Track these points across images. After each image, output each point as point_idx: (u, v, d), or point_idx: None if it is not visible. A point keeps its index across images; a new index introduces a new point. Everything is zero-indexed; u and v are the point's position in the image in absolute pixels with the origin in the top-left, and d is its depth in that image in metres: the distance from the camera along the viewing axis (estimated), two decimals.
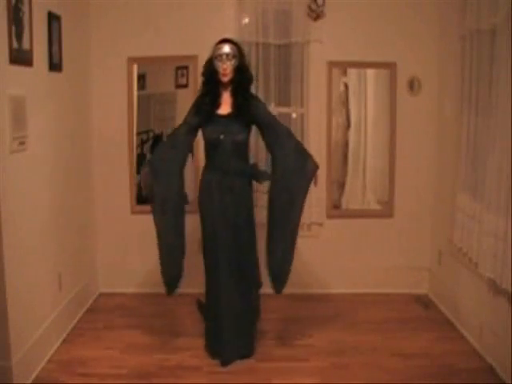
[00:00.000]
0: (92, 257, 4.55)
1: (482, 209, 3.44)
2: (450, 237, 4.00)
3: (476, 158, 3.59)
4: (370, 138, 4.69)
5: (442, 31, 4.34)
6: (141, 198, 4.63)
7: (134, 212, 4.59)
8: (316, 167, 3.43)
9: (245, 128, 3.40)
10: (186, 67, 4.48)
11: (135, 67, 4.49)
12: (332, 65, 4.44)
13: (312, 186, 3.47)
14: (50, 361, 3.44)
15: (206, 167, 3.48)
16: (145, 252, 4.58)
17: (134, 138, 4.55)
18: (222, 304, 3.41)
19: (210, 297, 3.52)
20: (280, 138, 3.42)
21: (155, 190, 3.37)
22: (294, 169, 3.37)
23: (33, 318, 3.31)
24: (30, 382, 3.18)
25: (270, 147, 3.47)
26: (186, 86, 4.51)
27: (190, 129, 3.43)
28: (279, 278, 3.44)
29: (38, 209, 3.42)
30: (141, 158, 4.62)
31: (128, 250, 4.60)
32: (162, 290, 4.55)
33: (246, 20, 4.35)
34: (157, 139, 4.65)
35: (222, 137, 3.34)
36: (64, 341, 3.71)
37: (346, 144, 4.66)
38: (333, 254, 4.61)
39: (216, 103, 3.39)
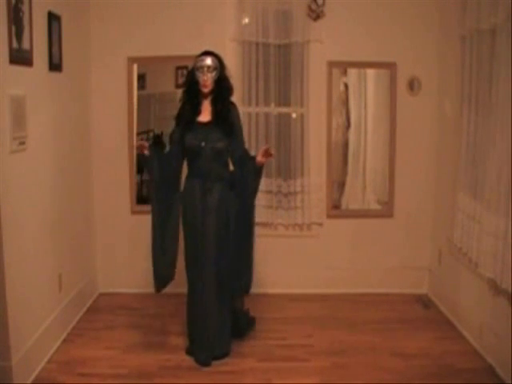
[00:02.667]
0: (92, 257, 4.55)
1: (482, 209, 3.44)
2: (450, 237, 4.00)
3: (476, 158, 3.59)
4: (370, 138, 4.69)
5: (442, 31, 4.34)
6: (141, 198, 4.63)
7: (134, 212, 4.59)
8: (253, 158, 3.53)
9: (224, 136, 3.49)
10: (186, 67, 4.47)
11: (135, 67, 4.49)
12: (332, 65, 4.44)
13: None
14: (49, 361, 3.44)
15: (188, 174, 3.57)
16: (145, 252, 4.57)
17: (134, 138, 4.54)
18: (201, 304, 3.47)
19: (190, 298, 3.57)
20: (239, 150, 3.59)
21: (155, 178, 3.51)
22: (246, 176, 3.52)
23: (33, 318, 3.31)
24: (29, 382, 3.18)
25: (233, 157, 3.60)
26: None
27: (178, 146, 3.53)
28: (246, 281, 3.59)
29: (38, 209, 3.42)
30: (141, 158, 4.61)
31: (128, 250, 4.60)
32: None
33: (246, 20, 4.35)
34: (157, 139, 4.64)
35: (202, 144, 3.44)
36: (64, 341, 3.71)
37: (346, 144, 4.66)
38: (333, 254, 4.61)
39: (196, 111, 3.50)
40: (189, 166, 3.57)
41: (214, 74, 3.46)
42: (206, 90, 3.47)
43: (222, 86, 3.50)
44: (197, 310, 3.50)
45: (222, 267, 3.48)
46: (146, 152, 3.43)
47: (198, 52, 4.35)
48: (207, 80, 3.44)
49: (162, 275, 3.53)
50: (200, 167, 3.47)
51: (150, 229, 3.50)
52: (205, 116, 3.50)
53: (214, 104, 3.50)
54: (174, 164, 3.55)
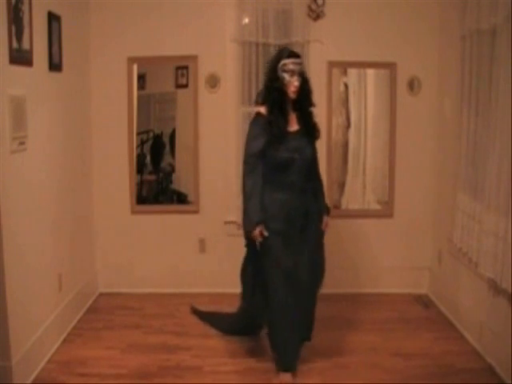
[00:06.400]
0: (92, 257, 4.55)
1: (482, 209, 3.44)
2: (450, 237, 4.00)
3: (476, 158, 3.59)
4: (370, 138, 4.69)
5: (442, 31, 4.34)
6: (141, 198, 4.64)
7: (133, 212, 4.59)
8: (327, 212, 3.41)
9: (311, 143, 3.29)
10: (186, 67, 4.48)
11: (135, 67, 4.48)
12: (332, 65, 4.44)
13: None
14: (49, 361, 3.44)
15: (274, 185, 3.20)
16: (145, 252, 4.59)
17: (134, 137, 4.54)
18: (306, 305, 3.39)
19: (280, 313, 3.27)
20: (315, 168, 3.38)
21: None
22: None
23: (33, 318, 3.31)
24: (29, 382, 3.18)
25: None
26: (186, 86, 4.51)
27: (262, 155, 3.19)
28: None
29: (38, 209, 3.42)
30: (141, 158, 4.62)
31: (128, 250, 4.59)
32: (161, 289, 4.58)
33: (246, 20, 4.35)
34: (157, 139, 4.65)
35: (296, 156, 3.17)
36: (64, 341, 3.71)
37: (346, 144, 4.66)
38: (333, 253, 4.59)
39: (287, 120, 3.20)
40: (274, 176, 3.20)
41: (301, 77, 3.17)
42: (295, 96, 3.17)
43: (307, 89, 3.23)
44: (301, 313, 3.34)
45: (318, 271, 3.37)
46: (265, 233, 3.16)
47: (199, 52, 4.38)
48: (298, 85, 3.14)
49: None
50: (293, 180, 3.18)
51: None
52: (292, 125, 3.22)
53: (298, 110, 3.23)
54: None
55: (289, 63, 3.14)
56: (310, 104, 3.27)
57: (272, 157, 3.18)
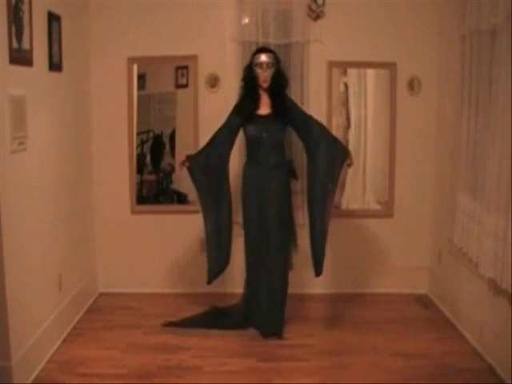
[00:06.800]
0: (92, 257, 4.55)
1: (482, 209, 3.44)
2: (450, 237, 4.00)
3: (476, 158, 3.59)
4: (370, 138, 4.69)
5: (442, 31, 4.34)
6: (141, 198, 4.64)
7: (133, 212, 4.59)
8: (345, 152, 3.75)
9: (282, 127, 3.77)
10: (186, 67, 4.48)
11: (135, 67, 4.49)
12: (332, 65, 4.44)
13: (345, 169, 3.83)
14: (49, 361, 3.44)
15: (249, 162, 3.84)
16: (145, 252, 4.59)
17: (134, 137, 4.54)
18: (260, 285, 3.78)
19: (250, 277, 3.85)
20: (313, 131, 3.74)
21: (200, 185, 3.76)
22: (325, 157, 3.68)
23: (33, 318, 3.31)
24: (29, 382, 3.18)
25: (304, 141, 3.81)
26: (186, 85, 4.51)
27: (230, 129, 3.77)
28: (318, 258, 3.71)
29: (38, 209, 3.42)
30: (141, 158, 4.62)
31: (128, 250, 4.59)
32: (161, 289, 4.59)
33: (246, 20, 4.35)
34: (157, 139, 4.65)
35: (263, 135, 3.70)
36: (64, 341, 3.71)
37: (346, 144, 4.65)
38: (333, 253, 4.60)
39: (257, 104, 3.75)
40: (249, 155, 3.84)
41: (272, 69, 3.72)
42: (266, 85, 3.72)
43: (279, 80, 3.76)
44: (263, 291, 3.75)
45: (281, 248, 3.76)
46: (187, 164, 3.70)
47: (199, 52, 4.39)
48: (267, 76, 3.70)
49: (216, 270, 3.75)
50: (260, 156, 3.74)
51: (203, 227, 3.76)
52: (264, 109, 3.75)
53: (272, 97, 3.74)
54: (222, 151, 3.76)
55: (259, 57, 3.72)
56: (282, 93, 3.76)
57: (245, 135, 3.80)
